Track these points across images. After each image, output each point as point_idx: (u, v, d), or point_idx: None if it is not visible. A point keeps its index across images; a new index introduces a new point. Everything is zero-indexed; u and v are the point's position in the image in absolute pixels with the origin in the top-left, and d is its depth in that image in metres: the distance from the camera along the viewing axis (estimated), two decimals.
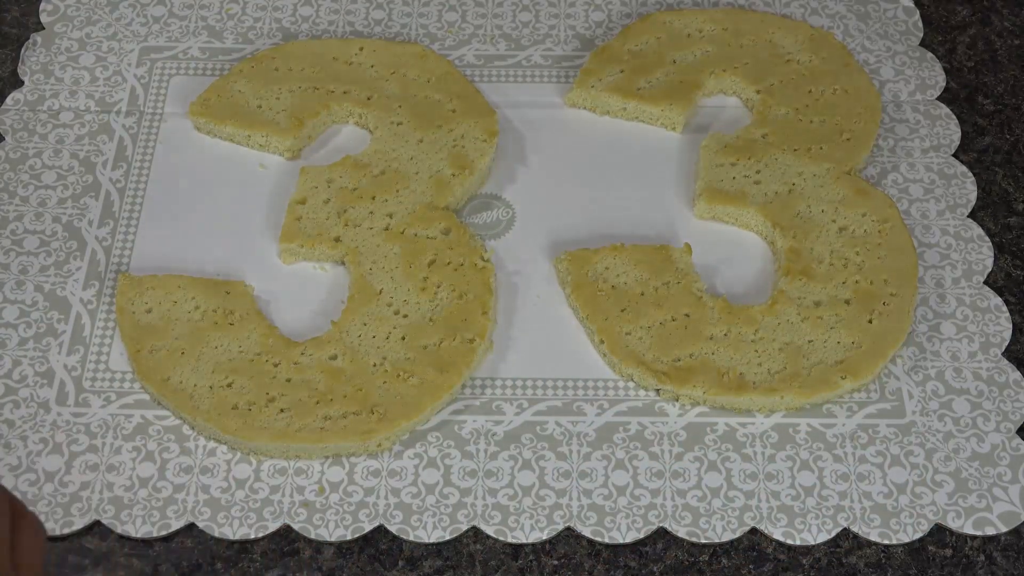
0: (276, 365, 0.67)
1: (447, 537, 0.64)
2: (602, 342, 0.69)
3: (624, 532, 0.64)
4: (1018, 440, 0.67)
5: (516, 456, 0.66)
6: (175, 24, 0.85)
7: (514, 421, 0.68)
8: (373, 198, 0.74)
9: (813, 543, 0.64)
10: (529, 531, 0.64)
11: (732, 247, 0.75)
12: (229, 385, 0.67)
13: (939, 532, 0.64)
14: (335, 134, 0.80)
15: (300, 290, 0.73)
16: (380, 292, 0.70)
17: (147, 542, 0.64)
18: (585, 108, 0.81)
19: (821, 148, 0.76)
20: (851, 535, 0.64)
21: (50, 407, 0.68)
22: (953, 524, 0.64)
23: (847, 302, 0.70)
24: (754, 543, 0.64)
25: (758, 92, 0.79)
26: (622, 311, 0.70)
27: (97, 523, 0.64)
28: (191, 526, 0.64)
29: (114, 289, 0.72)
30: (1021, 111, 0.82)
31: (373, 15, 0.86)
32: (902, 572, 0.63)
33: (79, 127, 0.79)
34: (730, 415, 0.68)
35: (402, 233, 0.73)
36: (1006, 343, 0.71)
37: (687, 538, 0.64)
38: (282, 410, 0.66)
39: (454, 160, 0.76)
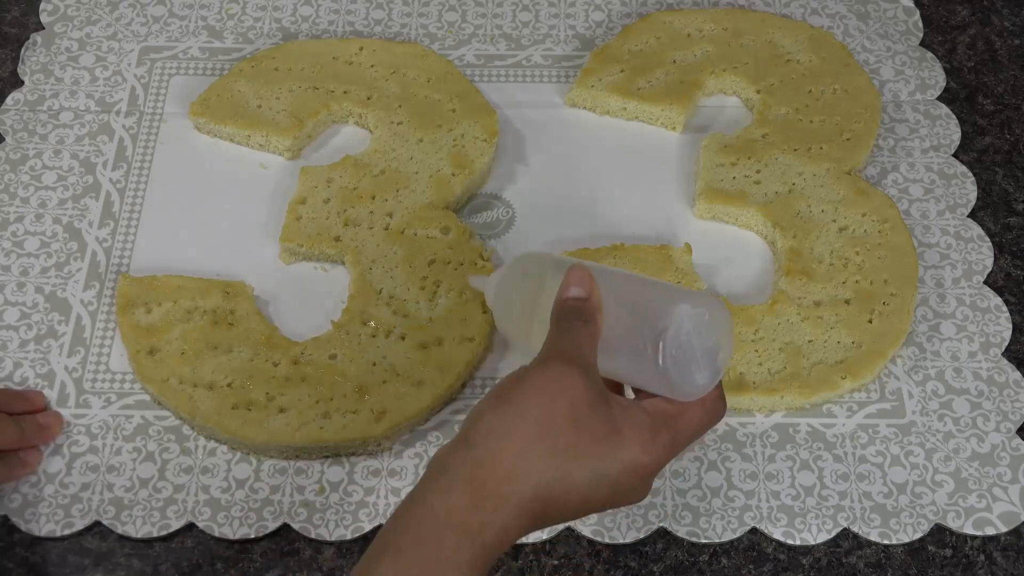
0: (276, 365, 0.67)
1: None
2: None
3: (624, 532, 0.64)
4: (1018, 440, 0.67)
5: None
6: (175, 24, 0.85)
7: None
8: (373, 198, 0.74)
9: (813, 543, 0.64)
10: None
11: (732, 247, 0.75)
12: (229, 385, 0.67)
13: (939, 532, 0.64)
14: (335, 134, 0.80)
15: (300, 290, 0.73)
16: (380, 292, 0.70)
17: (147, 542, 0.64)
18: (585, 108, 0.81)
19: (821, 148, 0.76)
20: (851, 535, 0.64)
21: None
22: (953, 524, 0.64)
23: (847, 302, 0.70)
24: (754, 543, 0.64)
25: (758, 92, 0.79)
26: None
27: (97, 523, 0.64)
28: (191, 526, 0.64)
29: (114, 290, 0.72)
30: (1021, 111, 0.82)
31: (373, 15, 0.86)
32: (902, 572, 0.63)
33: (79, 127, 0.79)
34: (730, 415, 0.68)
35: (402, 233, 0.73)
36: (1006, 343, 0.71)
37: (687, 538, 0.64)
38: (282, 410, 0.66)
39: (454, 160, 0.76)
